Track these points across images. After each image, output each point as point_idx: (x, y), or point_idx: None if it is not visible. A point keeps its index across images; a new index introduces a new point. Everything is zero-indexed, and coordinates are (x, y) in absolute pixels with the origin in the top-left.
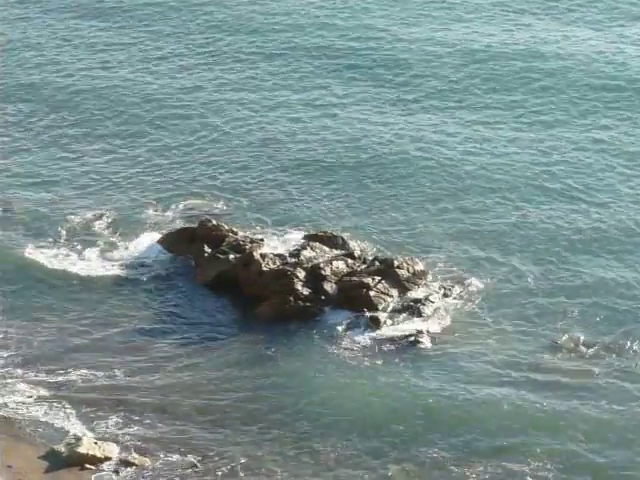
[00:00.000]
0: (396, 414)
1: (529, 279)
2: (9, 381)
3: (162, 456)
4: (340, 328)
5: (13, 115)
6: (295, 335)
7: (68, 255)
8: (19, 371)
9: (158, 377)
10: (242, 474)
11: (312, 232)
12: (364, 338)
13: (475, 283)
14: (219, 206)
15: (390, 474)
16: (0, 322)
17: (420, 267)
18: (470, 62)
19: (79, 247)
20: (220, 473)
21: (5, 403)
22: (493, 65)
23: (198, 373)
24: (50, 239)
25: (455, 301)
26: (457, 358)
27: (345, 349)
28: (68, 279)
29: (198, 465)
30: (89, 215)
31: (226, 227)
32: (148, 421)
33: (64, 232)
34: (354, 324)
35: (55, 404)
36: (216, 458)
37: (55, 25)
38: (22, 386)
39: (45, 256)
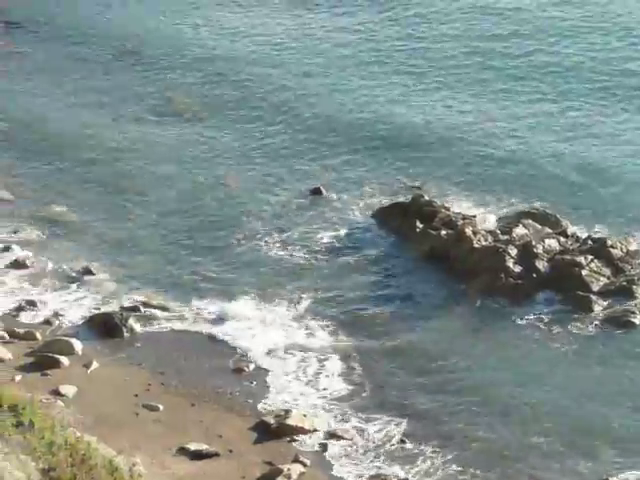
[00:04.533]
0: (605, 403)
1: None
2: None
3: (370, 430)
4: (550, 307)
5: None
6: (505, 312)
7: (286, 230)
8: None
9: (366, 345)
10: (454, 452)
11: (525, 209)
12: (574, 318)
13: None
14: (433, 182)
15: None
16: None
17: (634, 247)
18: None
19: (294, 222)
20: (430, 450)
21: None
22: None
23: (408, 343)
24: (261, 218)
25: None
26: None
27: (554, 329)
28: (288, 253)
29: (406, 440)
30: (300, 192)
31: (438, 203)
32: (361, 393)
33: (277, 208)
34: (565, 303)
35: (264, 372)
36: (425, 436)
37: None
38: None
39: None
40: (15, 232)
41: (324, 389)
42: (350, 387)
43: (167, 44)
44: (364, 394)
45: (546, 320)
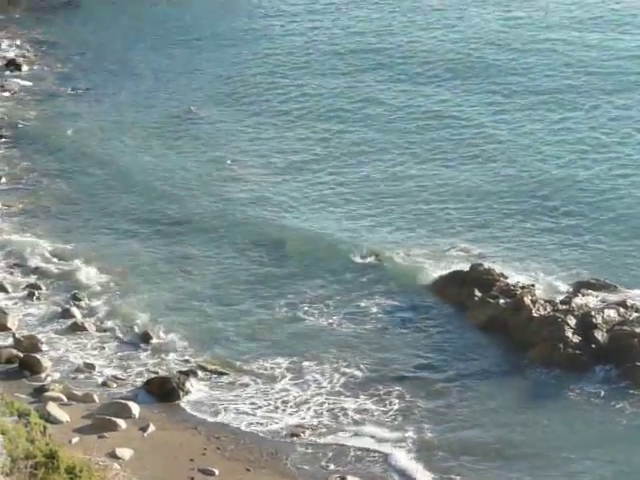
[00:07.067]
0: None
1: None
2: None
3: None
4: (608, 380)
5: None
6: (561, 385)
7: (341, 296)
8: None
9: (419, 415)
10: None
11: (584, 279)
12: (633, 393)
13: None
14: (490, 251)
15: None
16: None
17: None
18: None
19: (350, 288)
20: None
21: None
22: None
23: (463, 410)
24: (320, 281)
25: None
26: None
27: (612, 404)
28: (342, 319)
29: None
30: (358, 257)
31: (497, 271)
32: (416, 459)
33: (334, 273)
34: (624, 376)
35: (320, 437)
36: None
37: None
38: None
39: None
40: (75, 295)
41: (378, 455)
42: (404, 454)
43: None
44: (418, 460)
45: (603, 394)
